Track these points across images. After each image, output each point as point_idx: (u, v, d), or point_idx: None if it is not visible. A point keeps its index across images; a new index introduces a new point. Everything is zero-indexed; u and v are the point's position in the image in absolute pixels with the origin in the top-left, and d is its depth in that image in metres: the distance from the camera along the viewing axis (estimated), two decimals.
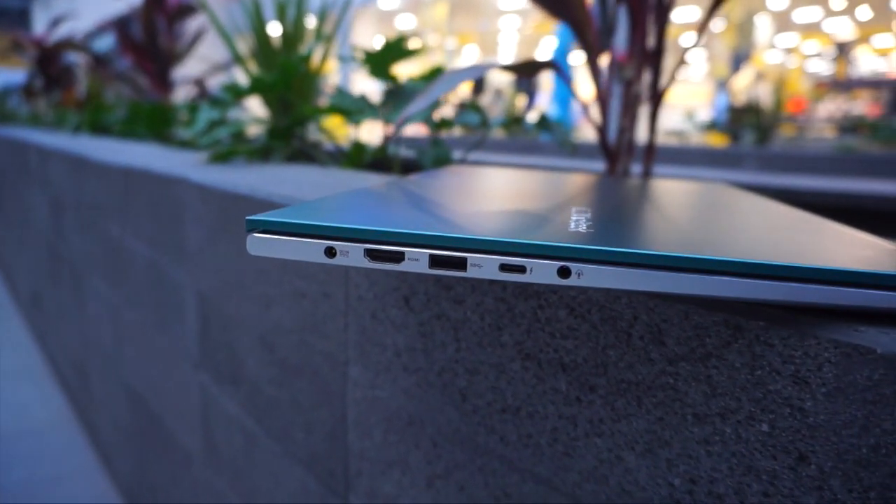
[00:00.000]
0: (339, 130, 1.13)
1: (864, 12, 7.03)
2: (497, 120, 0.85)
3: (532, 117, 0.89)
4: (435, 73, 0.90)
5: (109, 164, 0.85)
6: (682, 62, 0.59)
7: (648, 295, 0.23)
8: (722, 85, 6.53)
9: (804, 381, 0.19)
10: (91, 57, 2.11)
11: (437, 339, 0.33)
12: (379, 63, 0.86)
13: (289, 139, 0.96)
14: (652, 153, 0.62)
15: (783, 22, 7.52)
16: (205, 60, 1.67)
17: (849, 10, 7.08)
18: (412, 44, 0.82)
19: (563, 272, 0.19)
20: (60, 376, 1.38)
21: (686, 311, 0.22)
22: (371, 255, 0.21)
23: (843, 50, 7.34)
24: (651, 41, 0.60)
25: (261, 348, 0.50)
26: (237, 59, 1.08)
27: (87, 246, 1.02)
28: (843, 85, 6.66)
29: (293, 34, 1.12)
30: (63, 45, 2.24)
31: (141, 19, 1.43)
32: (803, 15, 7.28)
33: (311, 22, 1.16)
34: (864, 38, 7.35)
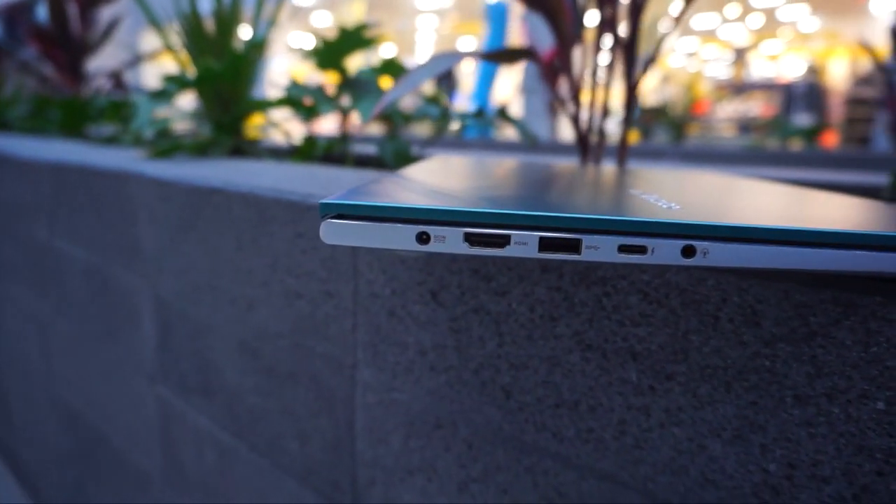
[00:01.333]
0: (256, 122, 1.07)
1: (756, 20, 7.57)
2: (457, 114, 0.83)
3: (458, 111, 0.88)
4: (390, 65, 0.87)
5: (33, 161, 0.76)
6: (655, 57, 0.60)
7: (742, 274, 0.22)
8: (625, 79, 6.82)
9: None
10: None
11: (474, 334, 0.31)
12: (332, 53, 0.82)
13: (232, 134, 0.90)
14: (626, 146, 0.63)
15: (684, 28, 7.97)
16: (123, 48, 1.55)
17: (742, 18, 7.61)
18: (371, 32, 0.79)
19: (688, 251, 0.18)
20: None
21: (786, 291, 0.21)
22: (471, 240, 0.19)
23: (738, 55, 7.88)
24: (626, 34, 0.61)
25: (241, 355, 0.46)
26: (169, 49, 1.01)
27: (2, 251, 0.91)
28: (739, 88, 7.14)
29: (228, 20, 1.06)
30: None
31: (48, 4, 1.31)
32: (702, 21, 7.75)
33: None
34: (756, 45, 7.92)
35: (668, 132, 3.15)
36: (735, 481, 0.23)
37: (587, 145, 0.64)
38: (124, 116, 1.20)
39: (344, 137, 0.88)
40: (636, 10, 0.59)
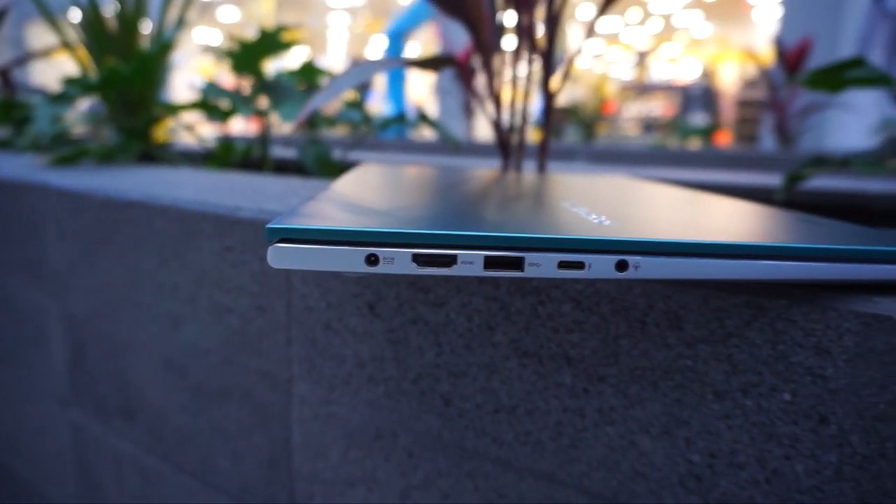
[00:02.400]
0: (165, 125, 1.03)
1: (655, 24, 8.00)
2: (380, 118, 0.83)
3: (372, 114, 0.89)
4: (309, 69, 0.86)
5: None
6: (571, 64, 0.63)
7: (665, 282, 0.24)
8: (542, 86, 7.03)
9: (826, 350, 0.21)
10: None
11: (413, 344, 0.31)
12: (249, 56, 0.80)
13: (141, 139, 0.86)
14: (546, 149, 0.65)
15: (590, 30, 8.29)
16: (6, 46, 1.43)
17: (643, 22, 8.01)
18: (289, 35, 0.78)
19: (621, 266, 0.19)
20: None
21: (705, 296, 0.23)
22: (419, 260, 0.19)
23: (640, 58, 8.29)
24: (542, 40, 0.63)
25: (167, 374, 0.45)
26: (66, 47, 0.95)
27: None
28: (641, 89, 7.52)
29: (132, 18, 1.00)
30: None
31: None
32: (606, 25, 8.10)
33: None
34: (655, 48, 8.36)
35: (579, 132, 3.28)
36: (663, 473, 0.25)
37: (508, 149, 0.66)
38: (16, 119, 1.11)
39: (262, 142, 0.86)
40: (552, 20, 0.62)
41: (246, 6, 7.78)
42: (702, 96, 6.01)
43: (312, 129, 0.88)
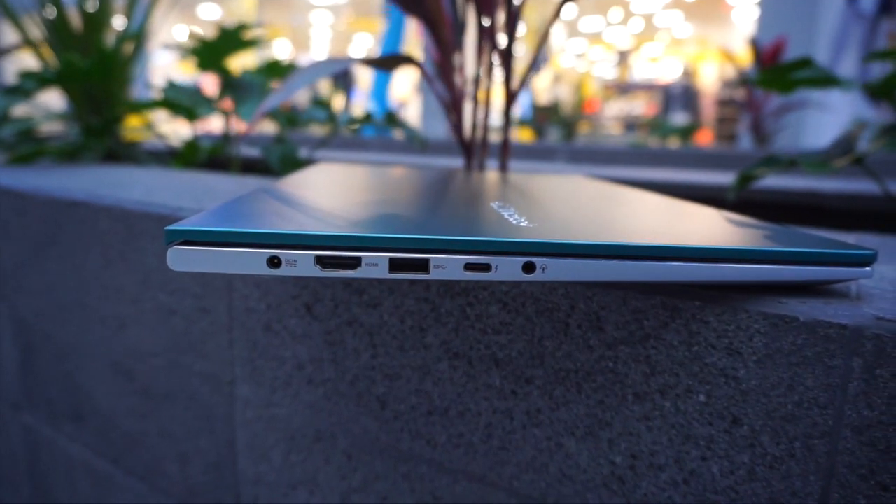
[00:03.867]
0: (137, 123, 1.01)
1: (637, 24, 8.05)
2: (346, 117, 0.83)
3: (355, 113, 0.89)
4: (275, 67, 0.86)
5: None
6: (533, 65, 0.63)
7: (587, 284, 0.24)
8: (527, 85, 7.06)
9: (737, 351, 0.21)
10: None
11: (349, 346, 0.31)
12: (212, 54, 0.79)
13: (104, 137, 0.85)
14: (507, 148, 0.65)
15: (573, 29, 8.33)
16: None
17: (625, 22, 8.06)
18: (250, 34, 0.77)
19: (528, 267, 0.19)
20: None
21: (624, 297, 0.23)
22: (322, 262, 0.19)
23: (622, 57, 8.34)
24: (501, 40, 0.63)
25: (113, 376, 0.44)
26: (28, 43, 0.93)
27: None
28: (624, 88, 7.56)
29: (98, 15, 0.99)
30: None
31: None
32: (588, 24, 8.13)
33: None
34: (637, 47, 8.42)
35: (560, 131, 3.29)
36: (588, 475, 0.25)
37: (470, 150, 0.66)
38: None
39: (227, 140, 0.85)
40: (513, 20, 0.62)
41: (227, 3, 7.71)
42: (683, 95, 6.06)
43: (285, 128, 0.88)
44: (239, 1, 7.58)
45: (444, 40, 0.62)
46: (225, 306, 0.36)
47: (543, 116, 3.93)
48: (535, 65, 0.65)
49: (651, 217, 0.26)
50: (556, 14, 0.60)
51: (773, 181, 0.76)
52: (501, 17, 0.63)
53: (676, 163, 1.84)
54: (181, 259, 0.19)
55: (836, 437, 0.20)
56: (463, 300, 0.27)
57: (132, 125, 1.00)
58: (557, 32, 7.97)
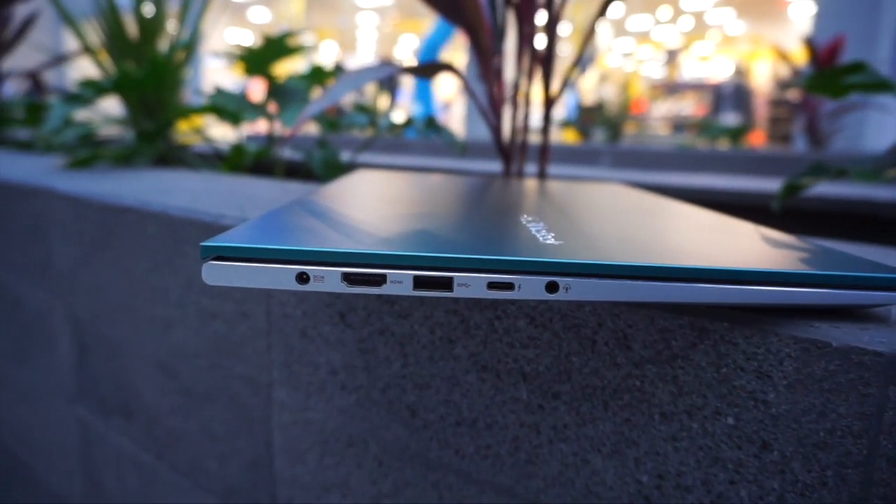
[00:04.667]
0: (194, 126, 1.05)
1: (687, 22, 7.86)
2: (386, 121, 0.84)
3: (397, 117, 0.89)
4: (318, 73, 0.87)
5: None
6: (573, 69, 0.62)
7: (615, 302, 0.24)
8: (572, 85, 6.98)
9: (767, 375, 0.21)
10: None
11: (381, 354, 0.32)
12: (258, 60, 0.82)
13: (157, 141, 0.88)
14: (547, 154, 0.65)
15: (620, 28, 8.20)
16: (38, 50, 1.48)
17: (674, 20, 7.88)
18: (294, 41, 0.79)
19: (552, 287, 0.19)
20: None
21: (651, 316, 0.23)
22: (349, 279, 0.19)
23: (671, 56, 8.16)
24: (541, 44, 0.63)
25: (159, 376, 0.46)
26: (87, 50, 0.97)
27: None
28: (672, 87, 7.40)
29: (153, 23, 1.03)
30: None
31: None
32: (636, 23, 7.99)
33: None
34: (687, 46, 8.22)
35: (606, 132, 3.24)
36: (614, 492, 0.25)
37: (509, 155, 0.66)
38: (42, 120, 1.15)
39: (272, 145, 0.87)
40: (553, 25, 0.61)
41: (276, 7, 7.89)
42: (734, 95, 5.89)
43: (327, 132, 0.89)
44: (288, 4, 7.74)
45: (484, 46, 0.62)
46: (263, 311, 0.37)
47: (589, 117, 3.88)
48: (581, 65, 0.64)
49: (683, 233, 0.26)
50: (601, 12, 0.59)
51: (824, 188, 0.74)
52: (541, 21, 0.63)
53: (725, 166, 1.79)
54: (215, 274, 0.19)
55: (871, 468, 0.19)
56: (491, 314, 0.27)
57: (184, 129, 1.04)
58: (604, 32, 7.85)
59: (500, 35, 0.67)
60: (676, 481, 0.23)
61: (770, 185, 0.80)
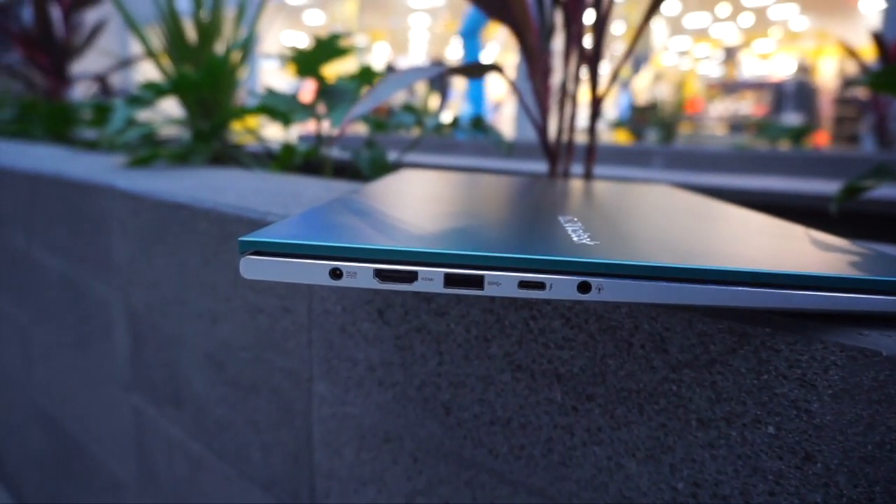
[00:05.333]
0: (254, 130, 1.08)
1: (747, 19, 7.60)
2: (433, 122, 0.84)
3: (446, 117, 0.89)
4: (366, 73, 0.88)
5: (11, 170, 0.77)
6: (620, 68, 0.61)
7: (655, 306, 0.23)
8: (625, 85, 6.86)
9: (811, 383, 0.20)
10: None
11: (417, 352, 0.32)
12: (309, 62, 0.83)
13: (212, 141, 0.91)
14: (593, 154, 0.64)
15: (676, 26, 7.99)
16: (106, 54, 1.56)
17: (733, 17, 7.63)
18: (345, 42, 0.80)
19: (584, 287, 0.19)
20: None
21: (689, 320, 0.22)
22: (381, 275, 0.20)
23: (730, 54, 7.90)
24: (589, 44, 0.62)
25: (208, 367, 0.47)
26: (150, 54, 1.02)
27: None
28: (731, 86, 7.17)
29: (209, 28, 1.06)
30: None
31: (33, 7, 1.31)
32: (693, 20, 7.77)
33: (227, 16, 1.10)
34: (747, 43, 7.94)
35: (659, 132, 3.17)
36: (649, 498, 0.24)
37: (555, 156, 0.65)
38: (107, 121, 1.21)
39: (320, 144, 0.89)
40: (600, 24, 0.61)
41: (330, 9, 8.03)
42: (797, 93, 5.65)
43: (374, 132, 0.91)
44: (342, 6, 7.87)
45: (531, 45, 0.62)
46: (305, 307, 0.38)
47: (641, 117, 3.80)
48: (635, 64, 0.63)
49: (726, 236, 0.25)
50: (653, 8, 0.58)
51: (889, 191, 0.70)
52: (589, 20, 0.62)
53: (785, 168, 1.72)
54: (252, 268, 0.20)
55: None
56: (527, 313, 0.27)
57: (241, 129, 1.07)
58: (659, 30, 7.67)
59: (547, 34, 0.67)
60: (713, 490, 0.22)
61: (830, 187, 0.77)
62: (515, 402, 0.28)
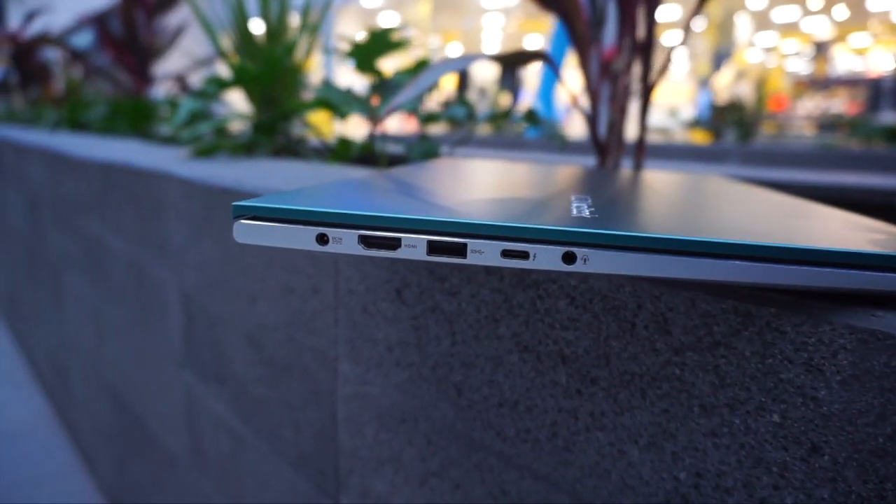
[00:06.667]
0: (327, 126, 1.11)
1: (841, 12, 7.14)
2: (484, 114, 0.84)
3: (519, 111, 0.89)
4: (421, 66, 0.89)
5: (88, 160, 0.83)
6: (670, 57, 0.59)
7: (654, 282, 0.22)
8: (704, 83, 6.59)
9: (818, 369, 0.18)
10: (69, 52, 2.06)
11: (431, 332, 0.32)
12: (364, 56, 0.85)
13: (273, 134, 0.94)
14: (643, 147, 0.62)
15: (762, 21, 7.61)
16: (187, 55, 1.64)
17: (826, 10, 7.18)
18: (397, 36, 0.81)
19: (568, 257, 0.18)
20: (40, 378, 1.35)
21: (692, 299, 0.21)
22: (365, 241, 0.20)
23: (821, 49, 7.44)
24: (641, 33, 0.60)
25: (247, 346, 0.49)
26: (220, 54, 1.06)
27: (66, 244, 0.99)
28: (821, 83, 6.75)
29: (276, 28, 1.10)
30: (39, 40, 2.20)
31: (120, 13, 1.40)
32: (782, 14, 7.37)
33: (294, 18, 1.14)
34: (841, 38, 7.45)
35: (736, 131, 3.03)
36: (650, 487, 0.23)
37: (605, 148, 0.63)
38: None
39: (375, 138, 0.90)
40: (652, 10, 0.58)
41: (404, 10, 8.15)
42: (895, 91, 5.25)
43: (425, 125, 0.91)
44: (416, 7, 7.98)
45: (580, 34, 0.60)
46: (332, 286, 0.39)
47: (721, 117, 3.64)
48: (716, 61, 0.61)
49: (744, 215, 0.23)
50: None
51: None
52: (642, 8, 0.60)
53: (875, 165, 1.61)
54: (245, 232, 0.20)
55: None
56: (534, 292, 0.26)
57: (314, 125, 1.10)
58: (743, 25, 7.33)
59: (598, 23, 0.65)
60: (716, 481, 0.21)
61: None
62: (522, 384, 0.27)
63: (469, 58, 0.53)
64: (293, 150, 1.06)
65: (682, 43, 0.58)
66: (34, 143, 1.17)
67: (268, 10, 1.08)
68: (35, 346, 1.36)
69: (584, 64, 0.62)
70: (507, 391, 0.28)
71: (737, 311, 0.20)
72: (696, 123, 4.15)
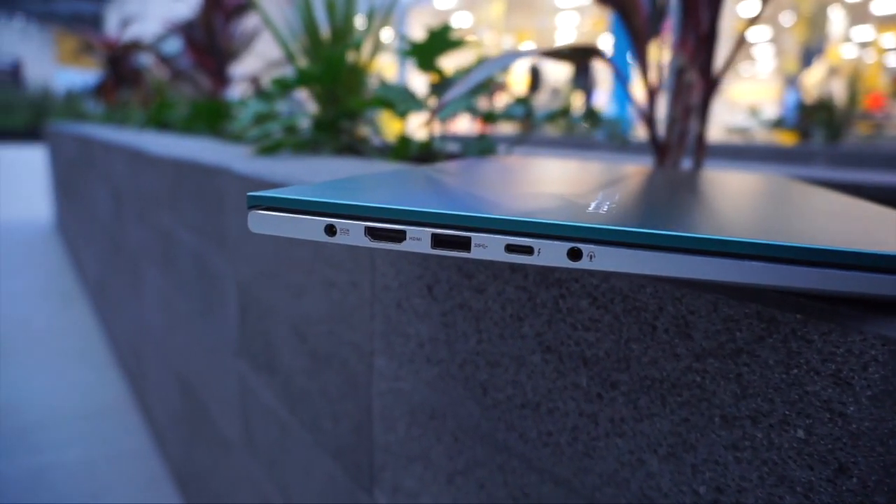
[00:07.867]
0: (392, 126, 1.13)
1: None
2: (543, 113, 0.83)
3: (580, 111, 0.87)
4: (479, 63, 0.89)
5: (162, 157, 0.87)
6: (737, 52, 0.56)
7: (676, 283, 0.21)
8: (792, 81, 6.24)
9: (846, 382, 0.17)
10: (158, 57, 2.19)
11: (460, 329, 0.31)
12: (425, 54, 0.85)
13: (335, 132, 0.96)
14: (703, 146, 0.59)
15: (859, 14, 7.11)
16: (261, 58, 1.71)
17: None
18: (455, 35, 0.81)
19: (574, 254, 0.18)
20: (121, 361, 1.44)
21: (715, 302, 0.20)
22: (372, 233, 0.20)
23: None
24: (704, 27, 0.57)
25: (293, 338, 0.50)
26: (288, 56, 1.10)
27: (143, 236, 1.05)
28: None
29: (342, 30, 1.13)
30: (132, 46, 2.35)
31: (200, 19, 1.47)
32: (882, 6, 6.87)
33: (361, 20, 1.16)
34: None
35: (824, 132, 2.85)
36: (669, 500, 0.22)
37: (663, 147, 0.61)
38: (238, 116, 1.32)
39: (434, 136, 0.90)
40: (715, 5, 0.56)
41: (478, 11, 8.16)
42: None
43: (485, 122, 0.91)
44: (489, 7, 7.97)
45: (637, 28, 0.58)
46: (368, 282, 0.39)
47: (809, 116, 3.44)
48: (806, 57, 0.58)
49: (788, 215, 0.22)
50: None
51: None
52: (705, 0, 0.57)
53: None
54: (258, 222, 0.21)
55: None
56: (556, 291, 0.26)
57: (383, 123, 1.12)
58: (837, 18, 6.88)
59: (657, 16, 0.63)
60: (736, 498, 0.20)
61: None
62: (544, 385, 0.27)
63: (519, 53, 0.52)
64: (356, 148, 1.08)
65: (748, 39, 0.55)
66: (119, 142, 1.25)
67: (334, 14, 1.11)
68: (118, 332, 1.45)
69: (641, 58, 0.59)
70: (530, 392, 0.27)
71: (761, 316, 0.18)
72: (778, 123, 3.94)
